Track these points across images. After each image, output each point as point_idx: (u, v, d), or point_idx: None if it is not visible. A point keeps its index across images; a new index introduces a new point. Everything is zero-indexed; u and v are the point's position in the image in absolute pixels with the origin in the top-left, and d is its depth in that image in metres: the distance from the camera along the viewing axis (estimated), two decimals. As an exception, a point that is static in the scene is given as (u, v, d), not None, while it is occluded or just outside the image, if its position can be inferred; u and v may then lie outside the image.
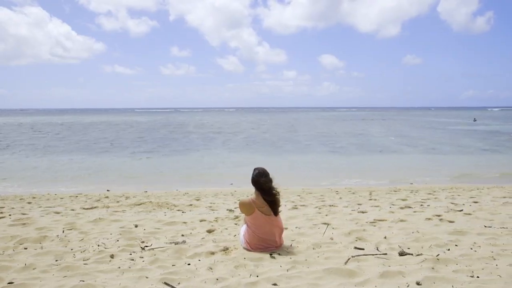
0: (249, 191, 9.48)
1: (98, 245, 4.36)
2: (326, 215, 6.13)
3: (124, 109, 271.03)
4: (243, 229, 4.32)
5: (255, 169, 4.22)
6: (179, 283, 3.17)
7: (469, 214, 5.99)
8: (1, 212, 6.73)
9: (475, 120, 58.82)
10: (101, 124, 53.69)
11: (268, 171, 4.22)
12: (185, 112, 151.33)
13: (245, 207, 4.10)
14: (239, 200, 4.63)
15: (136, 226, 5.46)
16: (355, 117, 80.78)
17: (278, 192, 4.15)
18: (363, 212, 6.37)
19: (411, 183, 12.09)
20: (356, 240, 4.47)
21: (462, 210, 6.31)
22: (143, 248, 4.25)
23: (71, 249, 4.19)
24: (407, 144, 24.97)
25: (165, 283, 3.08)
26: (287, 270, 3.42)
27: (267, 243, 4.08)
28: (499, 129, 38.65)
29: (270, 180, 4.11)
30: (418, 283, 2.99)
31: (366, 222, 5.47)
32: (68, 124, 53.70)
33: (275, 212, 4.10)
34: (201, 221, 5.80)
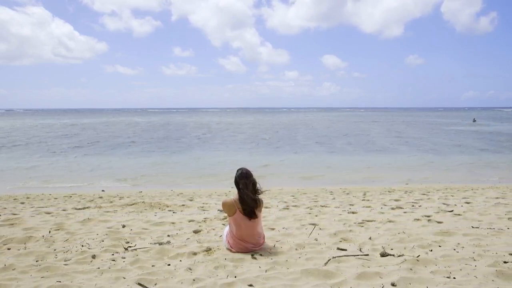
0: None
1: (82, 246, 4.35)
2: (316, 216, 6.10)
3: (124, 109, 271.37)
4: (226, 229, 4.30)
5: (238, 170, 4.18)
6: (155, 284, 3.16)
7: (459, 214, 5.95)
8: (-8, 213, 6.74)
9: (474, 120, 58.65)
10: (101, 124, 53.76)
11: (252, 172, 4.19)
12: (185, 112, 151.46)
13: (227, 207, 4.06)
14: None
15: (123, 226, 5.45)
16: (355, 118, 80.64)
17: (260, 194, 4.11)
18: (353, 213, 6.34)
19: (407, 184, 12.07)
20: (341, 241, 4.44)
21: (452, 211, 6.28)
22: (126, 249, 4.24)
23: (54, 250, 4.18)
24: (405, 144, 24.92)
25: (139, 284, 3.07)
26: (266, 271, 3.41)
27: (247, 243, 4.04)
28: (496, 130, 38.55)
29: (252, 182, 4.05)
30: (393, 284, 2.97)
31: (354, 223, 5.43)
32: (68, 124, 53.80)
33: (251, 215, 4.02)
34: (189, 221, 5.79)
